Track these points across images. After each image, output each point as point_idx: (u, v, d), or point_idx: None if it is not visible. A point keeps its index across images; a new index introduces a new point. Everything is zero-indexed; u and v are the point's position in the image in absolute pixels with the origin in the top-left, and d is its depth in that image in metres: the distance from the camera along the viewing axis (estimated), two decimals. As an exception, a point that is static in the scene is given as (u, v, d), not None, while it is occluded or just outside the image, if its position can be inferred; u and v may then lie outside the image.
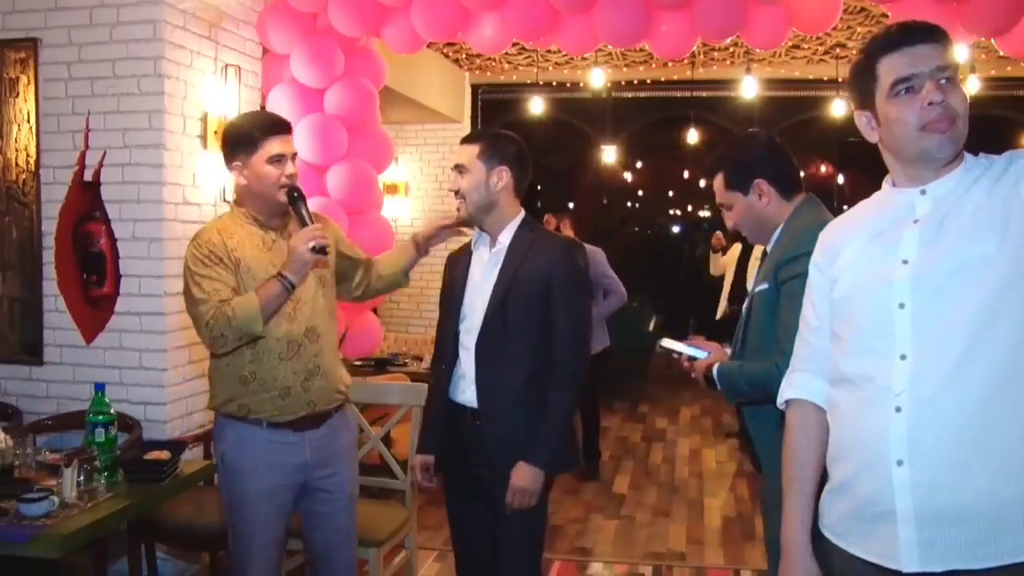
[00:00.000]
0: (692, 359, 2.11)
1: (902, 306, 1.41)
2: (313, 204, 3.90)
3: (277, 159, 2.32)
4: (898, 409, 1.38)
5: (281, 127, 2.38)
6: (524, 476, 2.25)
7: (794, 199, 2.10)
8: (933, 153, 1.44)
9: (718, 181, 2.17)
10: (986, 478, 1.34)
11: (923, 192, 1.47)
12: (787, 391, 1.65)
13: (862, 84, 1.51)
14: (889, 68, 1.45)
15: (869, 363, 1.44)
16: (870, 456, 1.42)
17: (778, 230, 2.10)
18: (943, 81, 1.42)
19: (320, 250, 2.26)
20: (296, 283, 2.28)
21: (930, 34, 1.45)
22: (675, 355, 2.14)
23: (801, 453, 1.60)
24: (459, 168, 2.37)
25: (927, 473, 1.36)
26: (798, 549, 1.58)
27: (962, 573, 1.35)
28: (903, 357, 1.40)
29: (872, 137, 1.54)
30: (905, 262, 1.43)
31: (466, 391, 2.35)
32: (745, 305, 2.15)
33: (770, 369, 1.87)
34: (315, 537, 2.49)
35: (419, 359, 5.44)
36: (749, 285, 2.24)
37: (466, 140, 2.42)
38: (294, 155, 2.38)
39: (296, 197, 2.35)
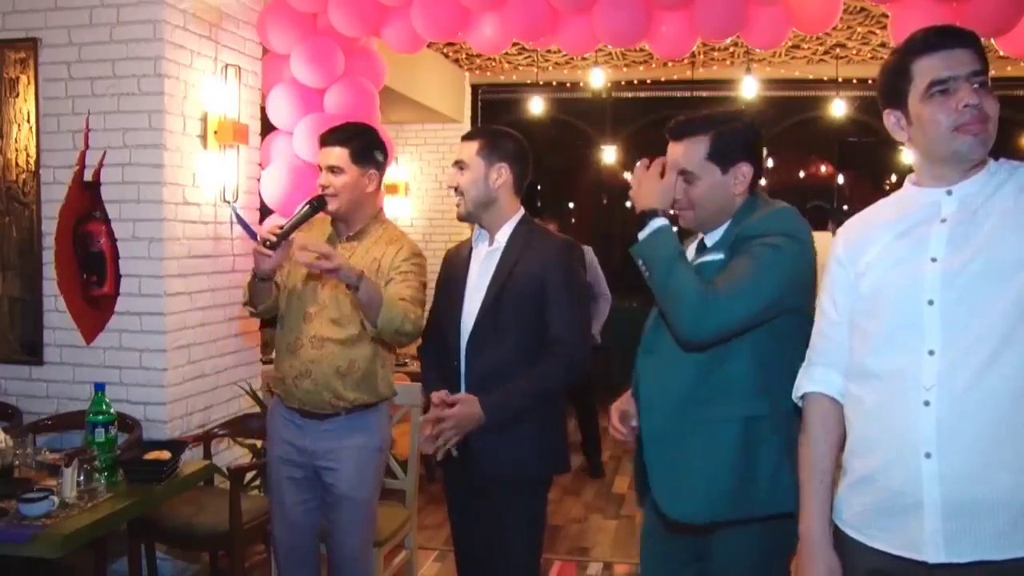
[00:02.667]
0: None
1: (931, 303, 1.44)
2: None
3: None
4: (927, 403, 1.41)
5: (322, 139, 2.56)
6: (464, 410, 2.24)
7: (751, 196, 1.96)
8: (964, 154, 1.47)
9: (698, 145, 1.89)
10: (1012, 471, 1.37)
11: (949, 192, 1.50)
12: (805, 384, 1.66)
13: (894, 83, 1.53)
14: (925, 69, 1.48)
15: (896, 358, 1.47)
16: (898, 449, 1.44)
17: (728, 222, 1.94)
18: (976, 85, 1.45)
19: (263, 242, 2.41)
20: (257, 273, 2.48)
21: (966, 39, 1.48)
22: None
23: (821, 446, 1.62)
24: (459, 164, 2.38)
25: (955, 466, 1.39)
26: (819, 542, 1.59)
27: (986, 564, 1.38)
28: (931, 352, 1.42)
29: (900, 136, 1.56)
30: (934, 260, 1.46)
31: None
32: None
33: (700, 290, 1.71)
34: (323, 522, 2.63)
35: (419, 359, 5.43)
36: None
37: (467, 137, 2.42)
38: (329, 167, 2.49)
39: (308, 203, 2.48)
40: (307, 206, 2.47)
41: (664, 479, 1.86)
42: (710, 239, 1.96)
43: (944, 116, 1.46)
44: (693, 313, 1.73)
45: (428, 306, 2.55)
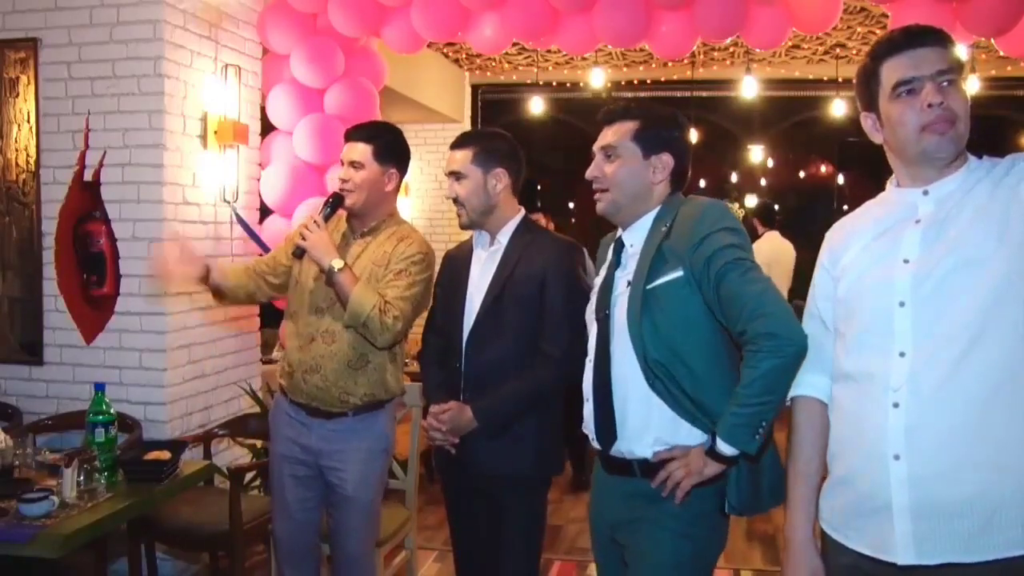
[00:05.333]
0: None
1: (902, 304, 1.44)
2: (311, 204, 3.93)
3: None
4: (896, 405, 1.41)
5: (347, 134, 2.58)
6: (456, 416, 2.27)
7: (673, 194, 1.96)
8: (932, 153, 1.47)
9: (626, 127, 1.92)
10: (982, 474, 1.37)
11: (926, 193, 1.50)
12: (793, 387, 1.67)
13: (867, 86, 1.55)
14: (891, 70, 1.49)
15: (869, 360, 1.47)
16: (868, 451, 1.45)
17: (650, 216, 1.91)
18: (944, 84, 1.46)
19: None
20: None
21: (932, 37, 1.48)
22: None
23: (807, 448, 1.63)
24: (455, 175, 2.35)
25: (923, 468, 1.39)
26: (803, 544, 1.60)
27: (956, 566, 1.38)
28: (902, 354, 1.43)
29: (877, 138, 1.57)
30: (906, 261, 1.46)
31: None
32: (623, 306, 1.84)
33: (773, 358, 1.64)
34: (326, 522, 2.64)
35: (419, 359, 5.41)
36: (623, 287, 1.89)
37: (456, 146, 2.39)
38: (351, 161, 2.51)
39: (325, 203, 2.53)
40: (326, 207, 2.50)
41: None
42: (629, 237, 1.94)
43: (911, 116, 1.46)
44: (790, 360, 1.65)
45: (430, 301, 2.55)
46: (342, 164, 2.54)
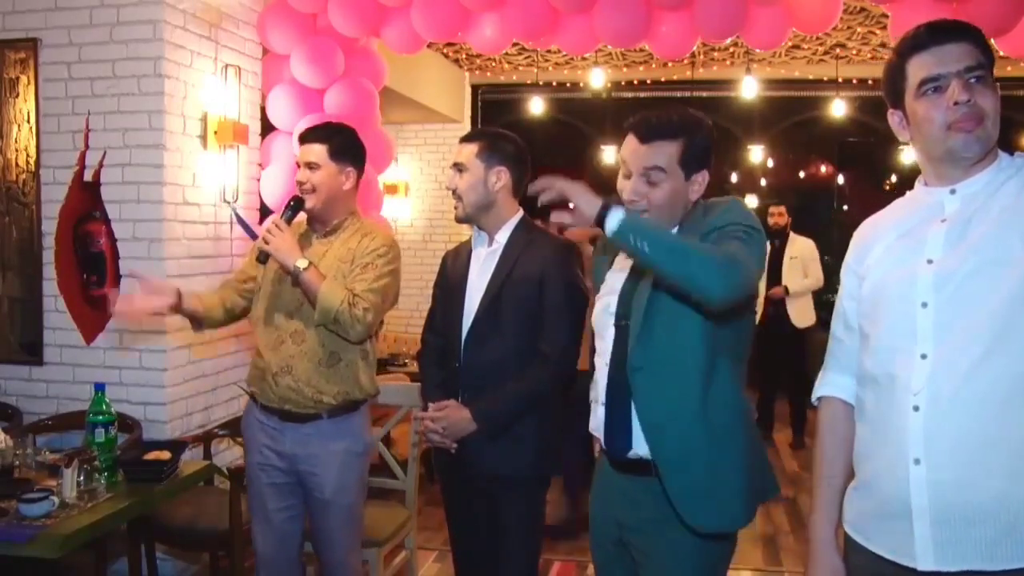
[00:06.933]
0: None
1: (925, 305, 1.41)
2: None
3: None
4: (916, 408, 1.39)
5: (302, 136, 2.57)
6: (454, 417, 2.27)
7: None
8: (959, 152, 1.44)
9: (670, 149, 1.82)
10: (1002, 478, 1.34)
11: (952, 192, 1.47)
12: (819, 388, 1.67)
13: (893, 83, 1.52)
14: (917, 68, 1.46)
15: (891, 362, 1.45)
16: (890, 454, 1.43)
17: (673, 228, 1.88)
18: (972, 80, 1.43)
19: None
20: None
21: (959, 34, 1.46)
22: None
23: (830, 449, 1.62)
24: (457, 166, 2.37)
25: (943, 472, 1.36)
26: (824, 545, 1.60)
27: (977, 574, 1.35)
28: (923, 356, 1.40)
29: (903, 136, 1.54)
30: (930, 261, 1.43)
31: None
32: (635, 314, 1.83)
33: (718, 249, 1.63)
34: (310, 528, 2.59)
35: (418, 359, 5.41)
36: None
37: (466, 139, 2.42)
38: (307, 163, 2.50)
39: (286, 207, 2.51)
40: (287, 210, 2.49)
41: (693, 496, 1.80)
42: None
43: (937, 114, 1.43)
44: (724, 271, 1.61)
45: (398, 295, 2.54)
46: (298, 166, 2.53)
